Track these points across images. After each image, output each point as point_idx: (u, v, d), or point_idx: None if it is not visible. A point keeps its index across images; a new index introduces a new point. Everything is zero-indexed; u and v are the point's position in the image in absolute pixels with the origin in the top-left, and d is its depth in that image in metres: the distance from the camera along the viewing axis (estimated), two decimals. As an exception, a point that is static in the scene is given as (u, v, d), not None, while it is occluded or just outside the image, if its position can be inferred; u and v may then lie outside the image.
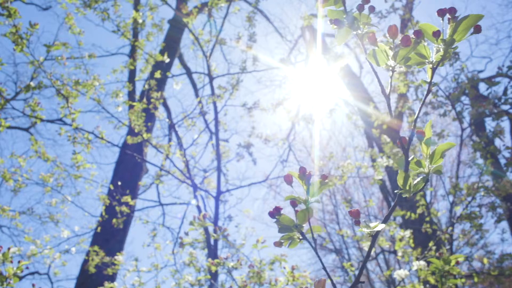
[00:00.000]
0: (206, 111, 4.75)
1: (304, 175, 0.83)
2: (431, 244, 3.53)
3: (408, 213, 4.87)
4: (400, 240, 3.87)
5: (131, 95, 7.34)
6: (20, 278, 7.73)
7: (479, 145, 2.93)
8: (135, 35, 6.47)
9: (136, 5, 7.10)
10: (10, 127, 10.56)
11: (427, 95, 0.73)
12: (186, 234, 2.31)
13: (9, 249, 2.30)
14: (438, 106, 3.60)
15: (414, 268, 3.30)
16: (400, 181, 0.74)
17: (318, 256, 0.87)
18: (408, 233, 3.61)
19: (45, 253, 4.87)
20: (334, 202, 15.06)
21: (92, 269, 5.38)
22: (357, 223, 0.80)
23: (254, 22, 4.52)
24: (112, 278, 6.04)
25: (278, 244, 0.94)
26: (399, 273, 3.52)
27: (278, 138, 5.60)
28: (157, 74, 4.66)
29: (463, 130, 3.02)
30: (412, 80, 3.27)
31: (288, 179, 0.85)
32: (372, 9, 0.74)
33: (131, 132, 5.84)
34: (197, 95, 8.21)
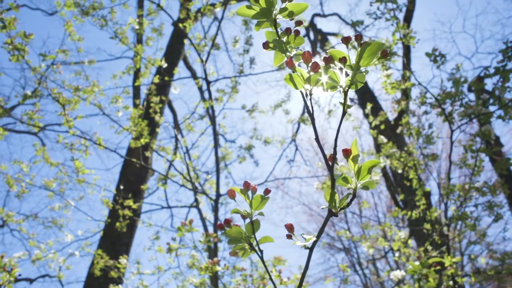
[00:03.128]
0: (204, 114, 4.79)
1: (247, 190, 0.86)
2: (427, 244, 3.53)
3: (409, 213, 4.87)
4: (398, 240, 3.88)
5: (135, 99, 7.41)
6: (32, 280, 7.86)
7: (470, 146, 2.94)
8: (140, 40, 6.53)
9: (141, 7, 7.17)
10: (19, 132, 10.70)
11: (342, 117, 0.75)
12: (174, 239, 2.35)
13: (2, 257, 2.35)
14: (435, 106, 3.60)
15: (410, 268, 3.30)
16: (326, 198, 0.77)
17: (264, 265, 0.90)
18: (403, 233, 3.61)
19: (49, 257, 4.96)
20: (342, 201, 14.99)
21: (97, 272, 5.45)
22: (289, 237, 0.83)
23: (250, 25, 4.56)
24: (119, 280, 6.10)
25: (233, 253, 0.98)
26: (396, 274, 3.53)
27: (277, 141, 5.63)
28: (156, 79, 4.71)
29: (452, 131, 3.02)
30: (399, 83, 3.28)
31: (231, 194, 0.88)
32: (297, 33, 0.77)
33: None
34: (203, 97, 8.27)
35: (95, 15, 4.45)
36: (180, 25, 4.42)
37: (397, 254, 3.87)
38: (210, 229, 5.28)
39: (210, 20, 6.62)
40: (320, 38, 10.87)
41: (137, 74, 7.16)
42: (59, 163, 5.01)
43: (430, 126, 4.42)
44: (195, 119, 5.09)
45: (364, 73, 0.69)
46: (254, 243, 0.92)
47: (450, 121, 2.95)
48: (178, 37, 8.53)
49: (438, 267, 3.60)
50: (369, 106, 4.66)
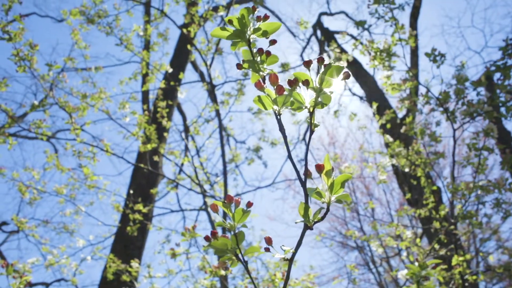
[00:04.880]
0: (209, 118, 4.82)
1: (229, 203, 0.89)
2: (434, 243, 3.53)
3: (418, 211, 4.86)
4: (405, 239, 3.88)
5: (144, 103, 7.48)
6: (48, 285, 7.96)
7: (473, 145, 2.93)
8: (147, 45, 6.59)
9: (148, 13, 7.24)
10: (31, 138, 10.85)
11: (310, 136, 0.78)
12: (178, 245, 2.39)
13: (12, 265, 2.40)
14: (438, 105, 3.60)
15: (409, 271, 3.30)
16: (300, 212, 0.80)
17: (249, 275, 0.92)
18: (410, 233, 3.61)
19: (62, 263, 5.04)
20: (355, 199, 14.99)
21: (110, 276, 5.52)
22: (267, 250, 0.86)
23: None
24: (131, 284, 6.17)
25: (221, 264, 1.01)
26: (403, 274, 3.53)
27: (283, 142, 5.64)
28: (162, 84, 4.76)
29: (455, 130, 3.02)
30: (399, 84, 3.29)
31: (214, 208, 0.91)
32: (268, 53, 0.79)
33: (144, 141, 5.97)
34: (212, 100, 8.28)
35: (101, 22, 4.51)
36: (184, 30, 4.46)
37: (405, 253, 3.87)
38: (219, 232, 5.31)
39: (215, 24, 6.65)
40: (327, 37, 10.86)
41: (145, 79, 7.22)
42: (70, 169, 5.09)
43: (437, 123, 4.41)
44: (201, 123, 5.14)
45: (329, 94, 0.72)
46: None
47: (453, 120, 2.95)
48: (185, 41, 8.59)
49: (445, 266, 3.59)
50: (374, 105, 4.66)
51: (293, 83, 0.73)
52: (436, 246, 3.64)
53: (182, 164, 5.77)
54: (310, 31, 11.77)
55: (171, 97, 7.36)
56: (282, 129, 0.77)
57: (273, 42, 0.83)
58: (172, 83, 5.00)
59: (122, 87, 4.95)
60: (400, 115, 7.44)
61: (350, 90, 10.68)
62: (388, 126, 4.56)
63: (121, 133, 5.13)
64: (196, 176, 4.97)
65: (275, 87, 0.74)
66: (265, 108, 0.77)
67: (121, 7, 4.67)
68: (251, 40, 0.80)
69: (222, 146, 4.53)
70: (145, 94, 7.71)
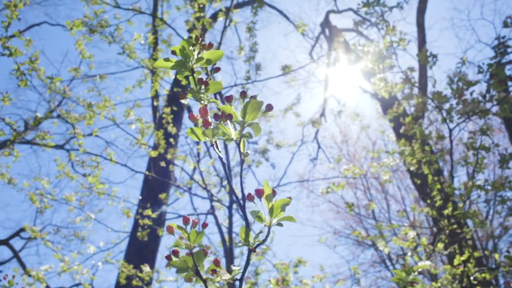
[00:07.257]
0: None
1: (186, 225, 0.92)
2: (437, 243, 3.52)
3: (425, 210, 4.83)
4: (409, 239, 3.87)
5: (153, 109, 7.56)
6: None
7: (471, 144, 2.91)
8: (154, 51, 6.66)
9: (154, 18, 7.31)
10: (45, 145, 11.05)
11: (241, 165, 0.80)
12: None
13: (13, 277, 2.46)
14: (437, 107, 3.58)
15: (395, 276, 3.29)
16: (241, 235, 0.82)
17: (210, 295, 0.95)
18: (412, 233, 3.61)
19: (74, 269, 5.13)
20: (369, 196, 14.93)
21: (123, 281, 5.60)
22: (214, 272, 0.89)
23: (254, 32, 4.61)
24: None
25: (187, 280, 1.04)
26: (407, 274, 3.53)
27: (288, 144, 5.69)
28: (165, 91, 4.82)
29: (451, 130, 3.01)
30: (394, 85, 3.28)
31: (170, 230, 0.94)
32: (205, 84, 0.82)
33: (155, 146, 6.04)
34: (222, 102, 8.31)
35: (103, 32, 4.58)
36: (185, 37, 4.51)
37: (409, 253, 3.87)
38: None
39: (216, 29, 6.70)
40: (335, 35, 10.82)
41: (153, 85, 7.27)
42: (79, 176, 5.18)
43: (443, 120, 4.38)
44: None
45: (256, 125, 0.74)
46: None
47: (450, 120, 2.94)
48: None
49: (448, 266, 3.57)
50: (377, 105, 4.64)
51: (219, 117, 0.76)
52: (440, 245, 3.63)
53: (195, 168, 5.80)
54: (318, 29, 11.76)
55: (179, 102, 7.42)
56: (220, 157, 0.80)
57: (216, 70, 0.85)
58: (175, 89, 5.05)
59: (127, 95, 5.01)
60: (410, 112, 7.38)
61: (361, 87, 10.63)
62: (392, 125, 4.55)
63: (128, 140, 5.20)
64: (203, 181, 5.02)
65: (202, 120, 0.77)
66: (198, 139, 0.80)
67: (123, 17, 4.73)
68: (195, 69, 0.83)
69: (226, 149, 4.56)
70: (154, 100, 7.79)
